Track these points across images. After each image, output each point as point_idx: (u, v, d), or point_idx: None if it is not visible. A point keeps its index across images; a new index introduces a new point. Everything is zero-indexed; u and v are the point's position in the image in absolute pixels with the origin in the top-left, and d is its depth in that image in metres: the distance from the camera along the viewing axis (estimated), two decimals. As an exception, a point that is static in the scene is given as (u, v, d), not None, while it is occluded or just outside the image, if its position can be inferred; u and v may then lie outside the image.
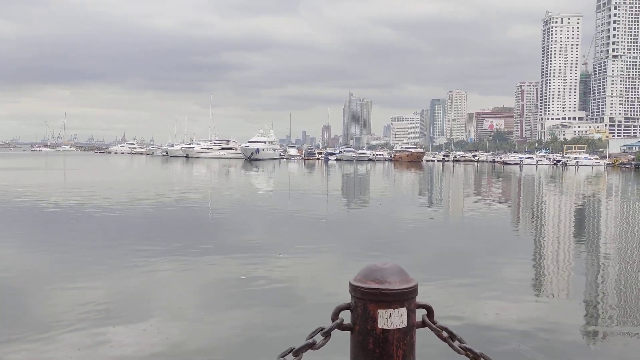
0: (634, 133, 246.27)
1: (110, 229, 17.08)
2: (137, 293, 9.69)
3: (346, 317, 2.11)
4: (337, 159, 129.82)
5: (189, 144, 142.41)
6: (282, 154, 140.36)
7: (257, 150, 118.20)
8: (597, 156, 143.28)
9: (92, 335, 7.47)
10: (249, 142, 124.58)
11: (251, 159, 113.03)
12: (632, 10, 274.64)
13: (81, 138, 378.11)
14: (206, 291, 10.05)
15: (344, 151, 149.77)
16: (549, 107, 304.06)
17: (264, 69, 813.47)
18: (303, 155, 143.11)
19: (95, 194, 29.47)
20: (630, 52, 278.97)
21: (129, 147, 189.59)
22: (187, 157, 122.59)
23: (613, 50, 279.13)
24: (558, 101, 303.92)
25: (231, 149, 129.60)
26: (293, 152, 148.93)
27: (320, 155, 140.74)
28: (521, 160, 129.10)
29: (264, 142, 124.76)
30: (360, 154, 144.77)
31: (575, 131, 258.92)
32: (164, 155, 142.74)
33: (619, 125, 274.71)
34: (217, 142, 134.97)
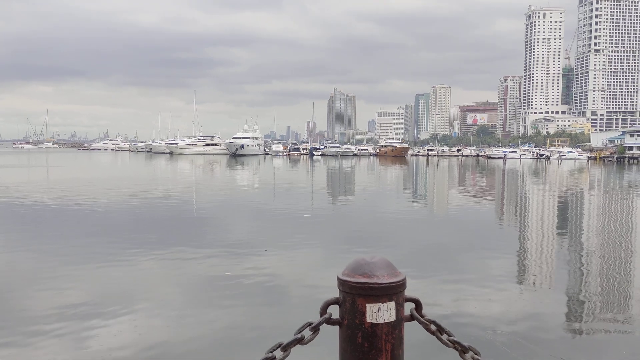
0: (615, 127, 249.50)
1: (92, 227, 16.90)
2: (120, 290, 9.60)
3: (334, 311, 2.10)
4: (321, 155, 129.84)
5: (173, 140, 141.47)
6: (266, 149, 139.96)
7: (242, 146, 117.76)
8: (579, 150, 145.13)
9: (74, 333, 7.39)
10: (234, 138, 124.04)
11: (236, 155, 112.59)
12: (613, 5, 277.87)
13: (64, 135, 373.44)
14: (191, 287, 10.00)
15: (329, 146, 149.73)
16: (532, 102, 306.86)
17: (248, 64, 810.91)
18: (288, 150, 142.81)
19: (78, 192, 29.15)
20: (612, 46, 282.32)
21: (112, 144, 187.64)
22: (171, 153, 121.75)
23: (595, 44, 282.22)
24: (541, 95, 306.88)
25: (215, 145, 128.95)
26: (278, 147, 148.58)
27: (305, 151, 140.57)
28: (505, 154, 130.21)
29: (249, 138, 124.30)
30: (345, 149, 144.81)
31: (558, 125, 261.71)
32: (147, 151, 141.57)
33: (601, 119, 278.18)
34: (202, 138, 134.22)
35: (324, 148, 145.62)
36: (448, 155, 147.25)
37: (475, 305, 9.06)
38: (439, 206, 27.56)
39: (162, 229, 16.61)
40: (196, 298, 9.32)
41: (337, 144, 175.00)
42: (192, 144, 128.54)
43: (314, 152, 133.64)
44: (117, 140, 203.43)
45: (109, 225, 17.40)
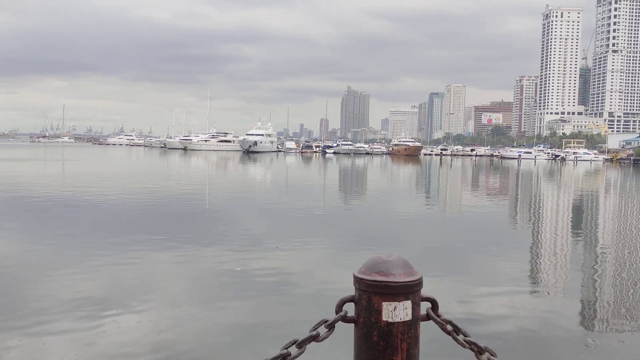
0: (633, 128, 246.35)
1: (106, 221, 17.04)
2: (132, 284, 9.67)
3: (349, 309, 2.09)
4: (334, 153, 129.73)
5: (187, 136, 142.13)
6: (279, 146, 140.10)
7: (255, 143, 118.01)
8: (596, 151, 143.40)
9: (85, 326, 7.45)
10: (247, 134, 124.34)
11: (249, 152, 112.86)
12: (632, 5, 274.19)
13: (79, 129, 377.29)
14: (201, 283, 10.04)
15: (342, 144, 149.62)
16: (548, 102, 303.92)
17: (261, 61, 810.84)
18: (300, 148, 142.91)
19: (94, 186, 29.41)
20: (630, 47, 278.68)
21: (127, 139, 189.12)
22: (185, 149, 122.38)
23: (613, 44, 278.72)
24: (557, 96, 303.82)
25: (229, 141, 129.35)
26: (291, 145, 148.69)
27: (317, 149, 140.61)
28: (519, 155, 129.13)
29: (262, 135, 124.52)
30: (357, 147, 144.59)
31: (574, 126, 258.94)
32: (162, 147, 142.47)
33: (618, 121, 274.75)
34: (215, 134, 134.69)
35: (336, 146, 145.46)
36: (462, 155, 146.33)
37: (490, 306, 9.00)
38: (452, 206, 27.41)
39: (175, 224, 16.70)
40: (207, 293, 9.36)
41: (350, 142, 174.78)
42: (206, 140, 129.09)
43: (327, 150, 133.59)
44: (131, 136, 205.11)
45: (122, 219, 17.53)
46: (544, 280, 11.45)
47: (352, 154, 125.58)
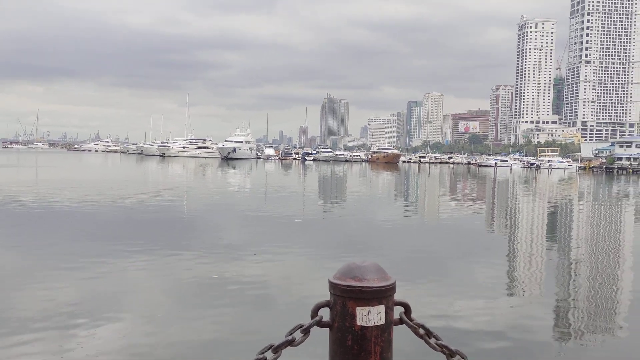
0: (605, 137, 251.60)
1: (79, 229, 16.81)
2: (106, 293, 9.55)
3: (325, 314, 2.12)
4: (314, 160, 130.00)
5: (165, 143, 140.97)
6: (259, 153, 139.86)
7: (234, 150, 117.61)
8: (569, 159, 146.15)
9: (58, 337, 7.34)
10: (226, 141, 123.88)
11: (228, 159, 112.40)
12: (604, 17, 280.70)
13: (54, 135, 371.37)
14: (178, 291, 9.96)
15: (321, 152, 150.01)
16: (523, 111, 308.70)
17: (241, 68, 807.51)
18: (280, 155, 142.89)
19: (67, 193, 28.99)
20: (602, 58, 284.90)
21: (103, 145, 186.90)
22: (162, 155, 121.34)
23: (586, 55, 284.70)
24: (532, 105, 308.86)
25: (207, 148, 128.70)
26: (270, 152, 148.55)
27: (297, 156, 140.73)
28: (496, 163, 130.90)
29: (241, 142, 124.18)
30: (337, 154, 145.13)
31: (548, 135, 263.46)
32: (139, 153, 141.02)
33: (591, 130, 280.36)
34: (194, 141, 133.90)
35: (316, 153, 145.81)
36: (439, 163, 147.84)
37: (463, 311, 9.11)
38: (430, 213, 27.66)
39: (151, 232, 16.56)
40: (183, 301, 9.30)
41: (330, 150, 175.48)
42: (184, 147, 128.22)
43: (306, 157, 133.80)
44: (108, 142, 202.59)
45: (96, 227, 17.32)
46: (520, 286, 11.62)
47: (331, 161, 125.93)
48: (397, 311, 2.16)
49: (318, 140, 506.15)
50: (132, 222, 18.82)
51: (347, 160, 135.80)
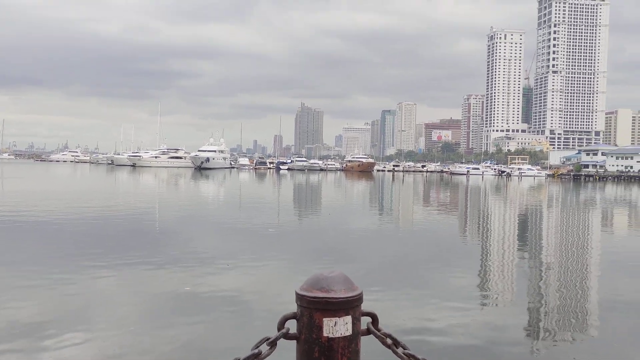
0: (572, 145, 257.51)
1: (49, 241, 16.44)
2: (77, 307, 9.34)
3: (292, 326, 2.11)
4: (288, 169, 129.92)
5: (136, 153, 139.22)
6: (232, 163, 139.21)
7: (207, 159, 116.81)
8: (538, 167, 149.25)
9: (25, 352, 7.15)
10: (199, 150, 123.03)
11: (201, 168, 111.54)
12: (570, 28, 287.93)
13: (20, 145, 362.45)
14: (149, 304, 9.80)
15: (296, 161, 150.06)
16: (494, 120, 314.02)
17: (214, 77, 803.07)
18: (254, 164, 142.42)
19: (34, 205, 28.35)
20: (569, 68, 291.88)
21: (72, 155, 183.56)
22: (133, 165, 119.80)
23: (553, 65, 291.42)
24: (502, 114, 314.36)
25: (180, 157, 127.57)
26: (244, 161, 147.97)
27: (271, 165, 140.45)
28: (468, 171, 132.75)
29: (214, 151, 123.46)
30: (312, 163, 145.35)
31: (518, 143, 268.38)
32: (109, 164, 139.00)
33: (559, 138, 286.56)
34: (166, 150, 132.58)
35: (291, 162, 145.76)
36: (413, 171, 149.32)
37: (435, 319, 9.16)
38: (404, 221, 27.84)
39: (122, 244, 16.28)
40: (154, 314, 9.15)
41: (304, 159, 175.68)
42: (156, 157, 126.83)
43: (281, 166, 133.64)
44: (76, 152, 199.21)
45: (65, 239, 16.96)
46: (491, 292, 11.75)
47: (306, 170, 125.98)
48: (365, 321, 2.16)
49: (293, 150, 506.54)
50: (101, 234, 18.48)
51: (322, 169, 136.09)
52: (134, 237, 17.76)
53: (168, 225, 21.93)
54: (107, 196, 38.01)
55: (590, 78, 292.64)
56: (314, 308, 2.03)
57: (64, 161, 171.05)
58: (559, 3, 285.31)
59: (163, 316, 8.97)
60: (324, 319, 2.01)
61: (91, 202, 31.32)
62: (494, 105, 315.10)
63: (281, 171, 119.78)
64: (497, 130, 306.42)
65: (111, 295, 10.28)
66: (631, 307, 10.43)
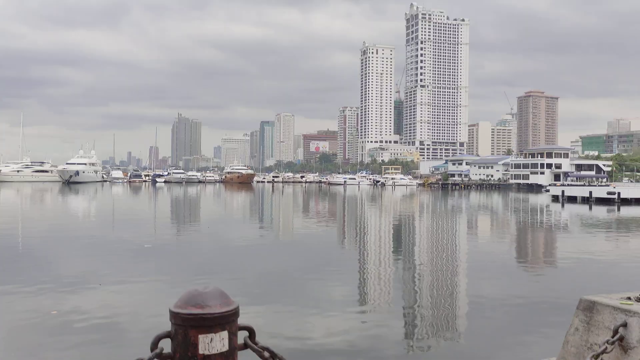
0: (440, 155, 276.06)
1: None
2: None
3: (167, 346, 2.04)
4: (165, 182, 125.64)
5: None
6: (105, 176, 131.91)
7: (77, 173, 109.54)
8: (410, 177, 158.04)
9: None
10: (67, 163, 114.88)
11: (70, 183, 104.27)
12: (435, 45, 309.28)
13: None
14: (12, 330, 8.95)
15: (173, 173, 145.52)
16: (368, 131, 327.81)
17: (83, 85, 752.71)
18: (129, 177, 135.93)
19: None
20: (435, 83, 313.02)
21: None
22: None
23: (421, 80, 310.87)
24: (376, 125, 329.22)
25: (46, 171, 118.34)
26: (117, 174, 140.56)
27: (147, 178, 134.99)
28: (345, 181, 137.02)
29: (85, 164, 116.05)
30: (189, 175, 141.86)
31: (391, 153, 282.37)
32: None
33: (428, 148, 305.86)
34: (30, 164, 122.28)
35: (167, 174, 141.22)
36: (293, 182, 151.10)
37: (316, 328, 9.32)
38: (284, 232, 28.05)
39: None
40: (19, 341, 8.36)
41: (182, 171, 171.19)
42: (19, 171, 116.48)
43: (157, 179, 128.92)
44: None
45: None
46: (369, 299, 12.19)
47: (184, 183, 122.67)
48: (242, 335, 2.14)
49: (169, 162, 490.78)
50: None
51: (200, 181, 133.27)
52: (-9, 260, 16.12)
53: (32, 245, 20.20)
54: (-42, 215, 34.17)
55: (454, 92, 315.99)
56: (188, 325, 1.98)
57: None
58: (425, 22, 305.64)
59: (27, 343, 8.22)
60: (199, 336, 1.97)
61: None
62: (368, 117, 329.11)
63: (157, 184, 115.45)
64: (371, 142, 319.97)
65: (-37, 326, 9.23)
66: (496, 305, 11.35)
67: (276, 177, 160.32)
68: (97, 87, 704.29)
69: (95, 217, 35.95)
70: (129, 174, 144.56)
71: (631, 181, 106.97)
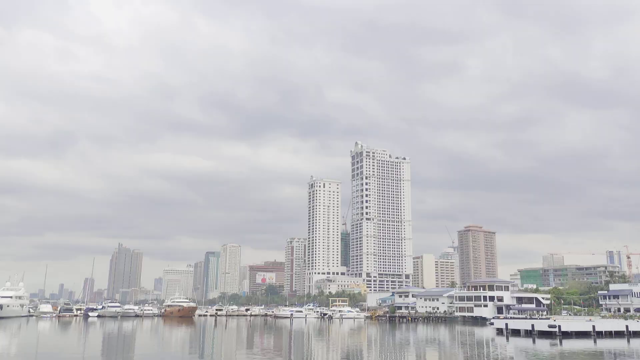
0: (387, 287, 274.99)
1: None
2: None
3: None
4: (99, 316, 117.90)
5: None
6: (31, 310, 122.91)
7: (0, 307, 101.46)
8: (358, 309, 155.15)
9: None
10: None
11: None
12: (379, 181, 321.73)
13: None
14: None
15: (108, 306, 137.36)
16: (315, 262, 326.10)
17: (17, 214, 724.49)
18: (58, 311, 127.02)
19: None
20: (380, 216, 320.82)
21: None
22: None
23: (366, 213, 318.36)
24: (323, 257, 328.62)
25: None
26: (46, 308, 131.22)
27: (79, 312, 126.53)
28: (291, 314, 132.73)
29: (10, 297, 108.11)
30: (126, 309, 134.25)
31: (339, 285, 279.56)
32: None
33: (374, 280, 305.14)
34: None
35: (102, 308, 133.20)
36: (237, 315, 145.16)
37: None
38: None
39: None
40: None
41: (118, 304, 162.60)
42: None
43: (90, 313, 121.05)
44: None
45: None
46: None
47: (119, 317, 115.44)
48: None
49: (105, 294, 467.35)
50: None
51: (137, 315, 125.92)
52: None
53: None
54: None
55: (398, 225, 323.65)
56: None
57: None
58: (369, 159, 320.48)
59: None
60: None
61: None
62: (315, 248, 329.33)
63: (90, 319, 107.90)
64: (318, 273, 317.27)
65: None
66: None
67: (220, 310, 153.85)
68: (33, 216, 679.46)
69: (14, 359, 32.20)
70: (59, 308, 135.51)
71: (570, 314, 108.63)
